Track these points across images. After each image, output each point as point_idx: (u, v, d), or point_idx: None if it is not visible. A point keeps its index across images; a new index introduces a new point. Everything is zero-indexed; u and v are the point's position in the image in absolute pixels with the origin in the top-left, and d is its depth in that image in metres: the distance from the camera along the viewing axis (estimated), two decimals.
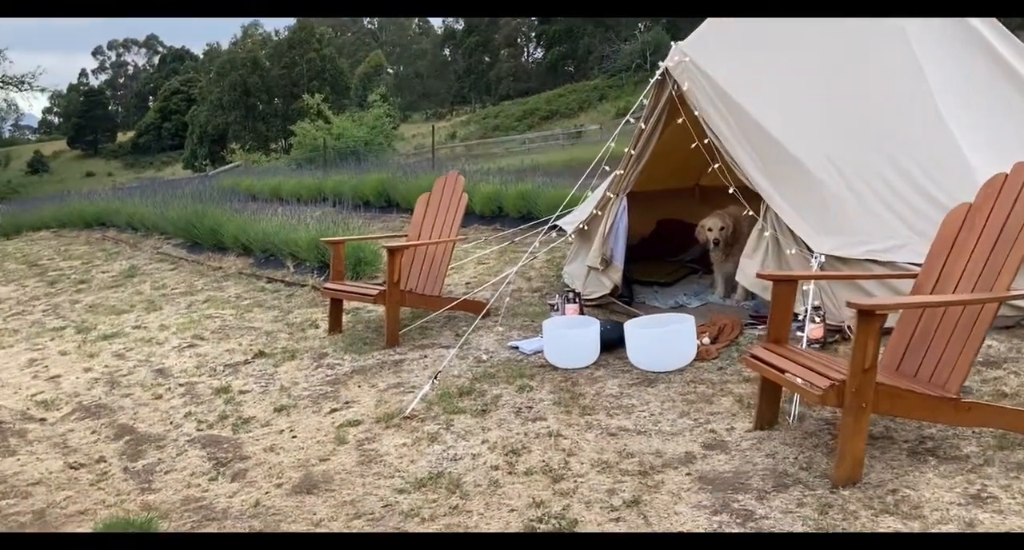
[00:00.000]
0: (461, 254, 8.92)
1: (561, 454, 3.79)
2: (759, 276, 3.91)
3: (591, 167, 5.83)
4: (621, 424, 4.08)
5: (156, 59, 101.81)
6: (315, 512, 3.51)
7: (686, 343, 4.74)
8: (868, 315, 3.14)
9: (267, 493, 3.74)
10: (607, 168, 5.75)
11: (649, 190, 7.24)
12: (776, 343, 3.79)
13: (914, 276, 3.87)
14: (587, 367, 4.94)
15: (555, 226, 6.93)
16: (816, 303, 4.77)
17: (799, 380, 3.39)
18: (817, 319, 4.79)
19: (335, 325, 6.24)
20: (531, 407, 4.40)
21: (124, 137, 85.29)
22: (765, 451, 3.63)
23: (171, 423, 4.78)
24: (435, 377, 4.65)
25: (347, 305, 6.63)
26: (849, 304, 3.16)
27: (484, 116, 57.48)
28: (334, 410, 4.69)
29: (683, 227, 7.03)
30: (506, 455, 3.84)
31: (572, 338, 4.92)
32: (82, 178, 66.69)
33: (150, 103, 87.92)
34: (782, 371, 3.52)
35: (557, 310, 5.97)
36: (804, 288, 4.80)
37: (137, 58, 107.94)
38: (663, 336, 4.72)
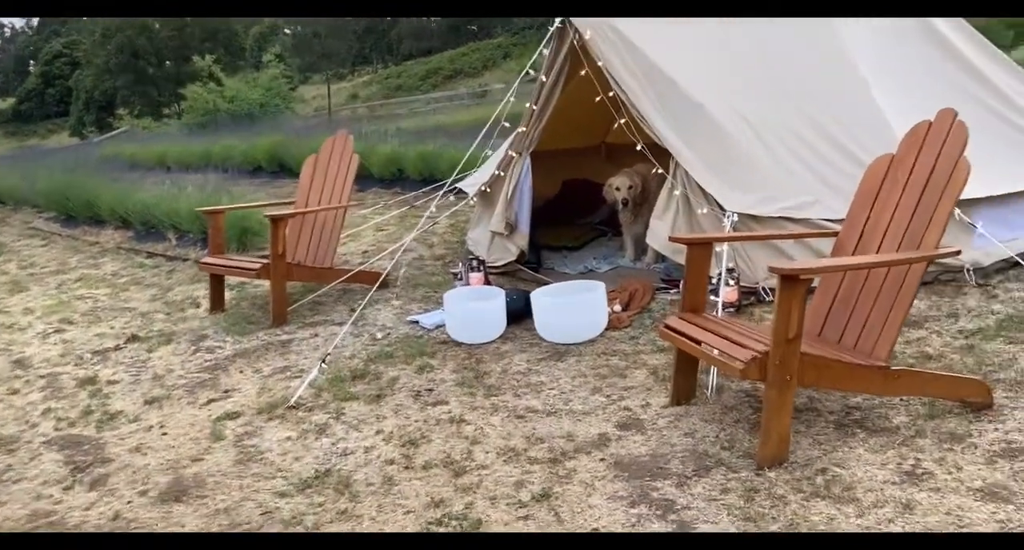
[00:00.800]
0: (358, 220, 8.44)
1: (464, 443, 3.43)
2: (672, 240, 3.59)
3: (488, 125, 5.43)
4: (529, 405, 3.74)
5: (35, 20, 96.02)
6: (183, 523, 3.07)
7: (596, 312, 4.43)
8: (792, 280, 2.85)
9: (129, 503, 3.27)
10: (507, 125, 5.36)
11: (553, 149, 6.90)
12: (692, 311, 3.49)
13: (835, 234, 3.62)
14: (493, 342, 4.58)
15: (457, 189, 6.53)
16: (730, 265, 4.51)
17: (717, 352, 3.09)
18: (731, 282, 4.53)
19: (217, 303, 5.72)
20: (431, 389, 4.02)
21: (4, 104, 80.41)
22: (683, 429, 3.34)
23: (26, 422, 4.23)
24: (324, 360, 4.21)
25: (231, 280, 6.11)
26: (771, 269, 2.87)
27: (386, 76, 56.03)
28: (212, 401, 4.22)
29: (590, 187, 6.71)
30: (403, 447, 3.46)
31: (476, 311, 4.54)
32: None
33: (31, 67, 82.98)
34: (698, 342, 3.22)
35: (460, 279, 5.60)
36: (717, 250, 4.53)
37: (14, 20, 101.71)
38: (572, 306, 4.39)
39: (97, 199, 9.03)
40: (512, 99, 5.27)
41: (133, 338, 5.39)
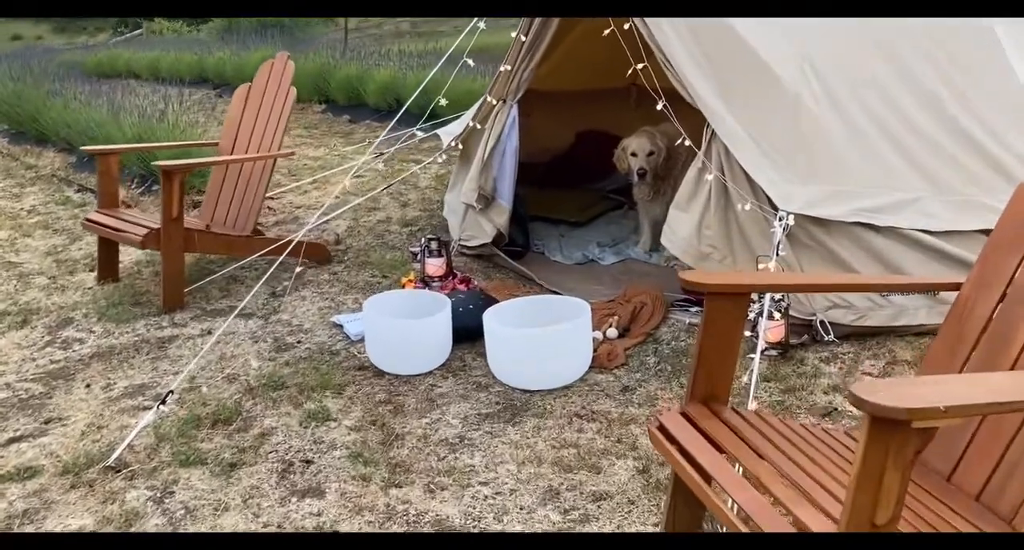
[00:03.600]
0: (336, 160, 7.09)
1: None
2: (685, 287, 2.17)
3: (445, 57, 4.05)
4: (441, 513, 2.42)
5: None
6: None
7: (575, 351, 3.05)
8: (887, 425, 1.47)
9: None
10: (470, 62, 3.94)
11: (568, 90, 5.49)
12: (705, 404, 2.12)
13: (956, 288, 2.20)
14: (429, 373, 3.26)
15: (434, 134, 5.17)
16: (777, 294, 3.12)
17: (738, 511, 1.75)
18: (777, 314, 3.14)
19: (107, 271, 4.44)
20: (311, 461, 2.72)
21: None
22: None
23: None
24: (163, 401, 2.89)
25: None
26: (855, 402, 1.47)
27: None
28: (18, 438, 2.97)
29: (610, 142, 5.28)
30: None
31: (404, 332, 3.19)
32: (7, 41, 61.55)
33: None
34: (710, 480, 1.88)
35: (419, 262, 4.29)
36: (760, 267, 3.14)
37: None
38: (539, 341, 3.00)
39: (41, 114, 7.76)
40: (482, 26, 3.82)
41: None
